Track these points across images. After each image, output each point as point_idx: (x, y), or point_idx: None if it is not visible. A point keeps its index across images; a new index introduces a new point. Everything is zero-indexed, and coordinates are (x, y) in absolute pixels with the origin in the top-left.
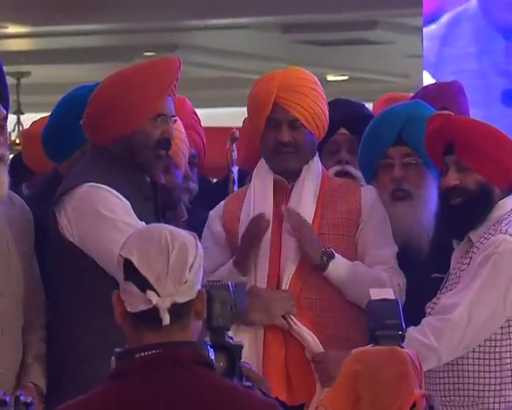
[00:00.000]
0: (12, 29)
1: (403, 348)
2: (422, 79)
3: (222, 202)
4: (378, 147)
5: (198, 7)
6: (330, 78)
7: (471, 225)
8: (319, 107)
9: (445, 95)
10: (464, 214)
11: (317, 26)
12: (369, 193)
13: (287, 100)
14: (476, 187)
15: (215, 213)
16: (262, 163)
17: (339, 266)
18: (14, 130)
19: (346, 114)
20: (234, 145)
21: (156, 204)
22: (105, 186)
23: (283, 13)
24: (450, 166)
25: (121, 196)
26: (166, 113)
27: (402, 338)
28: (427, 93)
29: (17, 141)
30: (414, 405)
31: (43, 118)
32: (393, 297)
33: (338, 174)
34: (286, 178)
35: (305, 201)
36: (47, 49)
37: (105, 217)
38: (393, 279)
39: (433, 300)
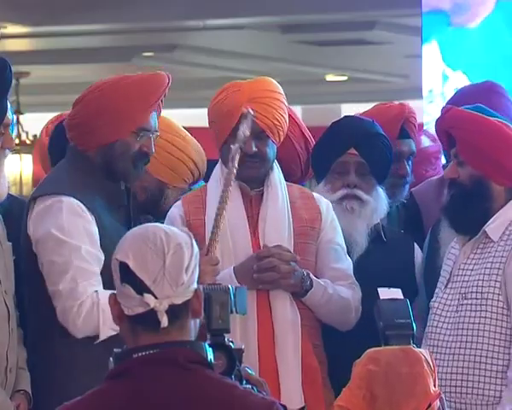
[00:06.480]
0: (11, 29)
1: (415, 347)
2: (421, 80)
3: (178, 202)
4: None
5: (197, 7)
6: (329, 78)
7: (471, 220)
8: (282, 116)
9: (478, 94)
10: (458, 207)
11: (316, 26)
12: (324, 203)
13: (255, 112)
14: (469, 181)
15: (177, 212)
16: (222, 168)
17: (315, 293)
18: (13, 130)
19: (356, 133)
20: None
21: (128, 211)
22: (71, 200)
23: (283, 13)
24: (452, 158)
25: (84, 213)
26: (149, 127)
27: (412, 337)
28: (462, 93)
29: (16, 141)
30: (429, 404)
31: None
32: (402, 297)
33: (345, 197)
34: (248, 185)
35: (280, 210)
36: (46, 49)
37: (54, 237)
38: (355, 296)
39: (440, 294)
